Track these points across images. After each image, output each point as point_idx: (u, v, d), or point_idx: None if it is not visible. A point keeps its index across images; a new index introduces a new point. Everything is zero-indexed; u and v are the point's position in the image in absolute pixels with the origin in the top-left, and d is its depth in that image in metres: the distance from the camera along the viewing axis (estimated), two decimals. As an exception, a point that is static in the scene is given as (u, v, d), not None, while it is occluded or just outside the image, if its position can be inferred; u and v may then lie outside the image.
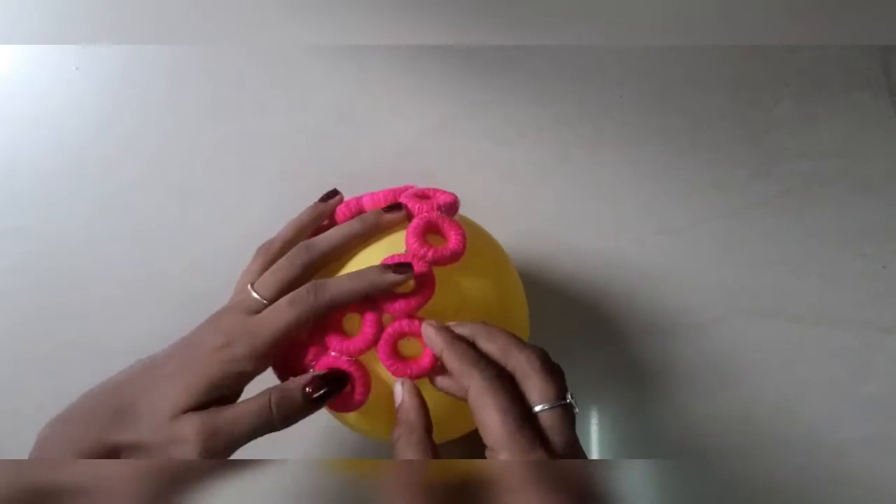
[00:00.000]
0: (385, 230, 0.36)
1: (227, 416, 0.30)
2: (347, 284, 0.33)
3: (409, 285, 0.33)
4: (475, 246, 0.37)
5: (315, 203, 0.40)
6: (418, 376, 0.33)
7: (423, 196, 0.38)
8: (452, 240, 0.35)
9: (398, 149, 0.48)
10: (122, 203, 0.48)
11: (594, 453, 0.46)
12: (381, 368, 0.33)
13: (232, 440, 0.30)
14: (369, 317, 0.33)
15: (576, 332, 0.48)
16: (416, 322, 0.33)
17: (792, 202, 0.48)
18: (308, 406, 0.32)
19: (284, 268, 0.35)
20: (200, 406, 0.31)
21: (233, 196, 0.48)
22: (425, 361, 0.33)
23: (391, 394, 0.33)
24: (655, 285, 0.48)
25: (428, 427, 0.32)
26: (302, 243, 0.36)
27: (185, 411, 0.30)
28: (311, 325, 0.33)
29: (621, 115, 0.49)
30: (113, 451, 0.31)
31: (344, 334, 0.34)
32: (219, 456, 0.30)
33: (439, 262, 0.34)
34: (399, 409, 0.32)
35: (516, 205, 0.48)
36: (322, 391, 0.31)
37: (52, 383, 0.47)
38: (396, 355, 0.33)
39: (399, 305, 0.33)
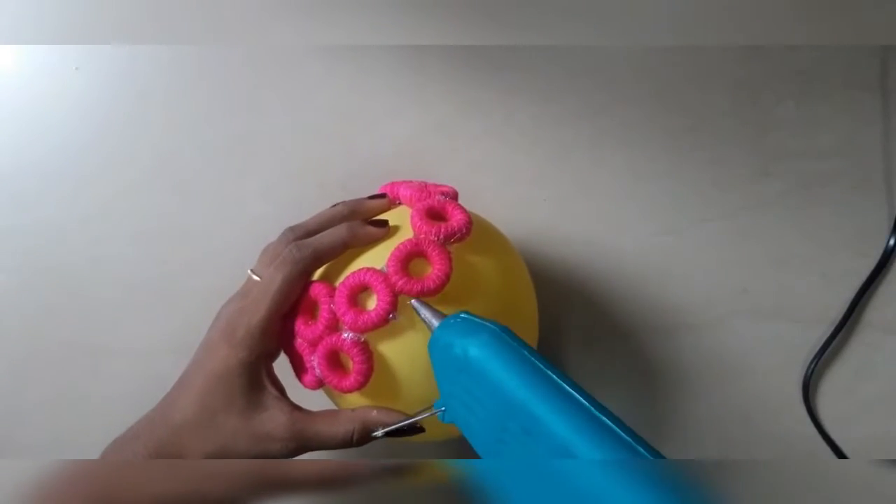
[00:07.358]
0: (368, 214, 0.38)
1: (317, 427, 0.33)
2: (328, 236, 0.34)
3: (427, 268, 0.33)
4: (482, 228, 0.37)
5: (358, 199, 0.40)
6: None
7: (422, 189, 0.39)
8: (456, 218, 0.35)
9: (398, 148, 0.48)
10: (122, 203, 0.48)
11: (594, 453, 0.46)
12: (385, 349, 0.34)
13: (313, 448, 0.33)
14: (384, 293, 0.33)
15: (575, 332, 0.48)
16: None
17: (792, 202, 0.48)
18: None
19: (274, 247, 0.36)
20: (252, 389, 0.33)
21: (233, 196, 0.48)
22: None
23: (394, 375, 0.34)
24: (655, 285, 0.48)
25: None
26: (287, 227, 0.37)
27: (258, 404, 0.33)
28: (302, 283, 0.34)
29: (621, 115, 0.49)
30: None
31: (360, 309, 0.33)
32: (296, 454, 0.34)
33: (449, 238, 0.34)
34: None
35: (516, 205, 0.48)
36: (397, 432, 0.33)
37: (52, 383, 0.47)
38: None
39: (415, 287, 0.32)
